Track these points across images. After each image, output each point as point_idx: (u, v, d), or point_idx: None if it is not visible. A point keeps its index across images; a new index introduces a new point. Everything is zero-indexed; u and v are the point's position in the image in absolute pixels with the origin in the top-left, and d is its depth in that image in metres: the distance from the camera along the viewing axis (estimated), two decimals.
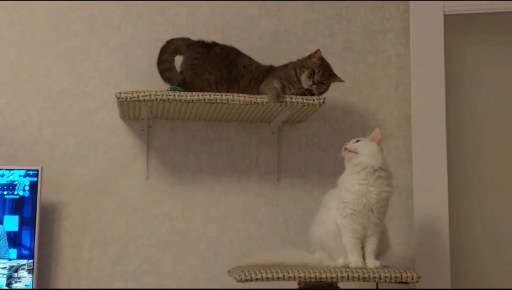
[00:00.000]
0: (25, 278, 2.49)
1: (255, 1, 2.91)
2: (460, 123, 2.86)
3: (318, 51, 2.58)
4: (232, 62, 2.65)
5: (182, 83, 2.58)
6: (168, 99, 2.46)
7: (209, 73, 2.61)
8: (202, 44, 2.69)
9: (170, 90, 2.51)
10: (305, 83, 2.56)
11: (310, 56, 2.60)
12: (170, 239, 2.77)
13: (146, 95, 2.45)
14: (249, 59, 2.69)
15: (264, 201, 2.83)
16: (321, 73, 2.55)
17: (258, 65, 2.68)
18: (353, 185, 2.31)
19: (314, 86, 2.55)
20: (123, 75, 2.82)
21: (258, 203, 2.82)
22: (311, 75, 2.55)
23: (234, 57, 2.67)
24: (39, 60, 2.80)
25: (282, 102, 2.50)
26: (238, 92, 2.59)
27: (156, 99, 2.46)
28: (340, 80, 2.62)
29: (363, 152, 2.33)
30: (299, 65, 2.59)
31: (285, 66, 2.64)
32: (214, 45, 2.69)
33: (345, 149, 2.38)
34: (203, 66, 2.62)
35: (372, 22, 2.95)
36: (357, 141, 2.38)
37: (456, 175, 2.82)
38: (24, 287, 2.48)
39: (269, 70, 2.65)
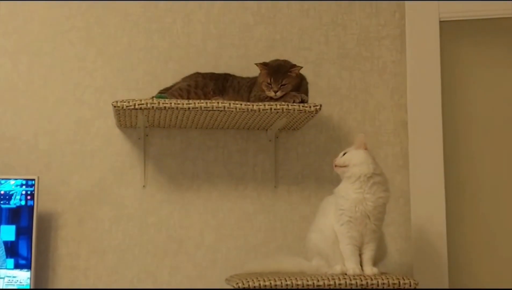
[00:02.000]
0: None
1: (251, 6, 2.91)
2: (456, 128, 2.86)
3: (257, 65, 2.56)
4: (224, 77, 2.68)
5: (163, 90, 2.65)
6: (165, 107, 2.45)
7: (191, 80, 2.65)
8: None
9: (156, 97, 2.53)
10: (270, 95, 2.54)
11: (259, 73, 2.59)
12: (167, 247, 2.76)
13: (143, 104, 2.45)
14: (243, 78, 2.70)
15: (262, 208, 2.82)
16: (274, 79, 2.52)
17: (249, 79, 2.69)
18: (348, 194, 2.31)
19: (279, 92, 2.53)
20: (119, 84, 2.82)
21: (255, 210, 2.82)
22: (269, 86, 2.53)
23: (227, 75, 2.70)
24: (34, 69, 2.80)
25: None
26: (228, 97, 2.61)
27: (153, 107, 2.45)
28: (299, 67, 2.56)
29: (352, 162, 2.33)
30: (258, 85, 2.57)
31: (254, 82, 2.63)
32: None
33: (335, 166, 2.38)
34: (190, 79, 2.68)
35: (367, 29, 2.95)
36: (344, 153, 2.38)
37: (453, 180, 2.82)
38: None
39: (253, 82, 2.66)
